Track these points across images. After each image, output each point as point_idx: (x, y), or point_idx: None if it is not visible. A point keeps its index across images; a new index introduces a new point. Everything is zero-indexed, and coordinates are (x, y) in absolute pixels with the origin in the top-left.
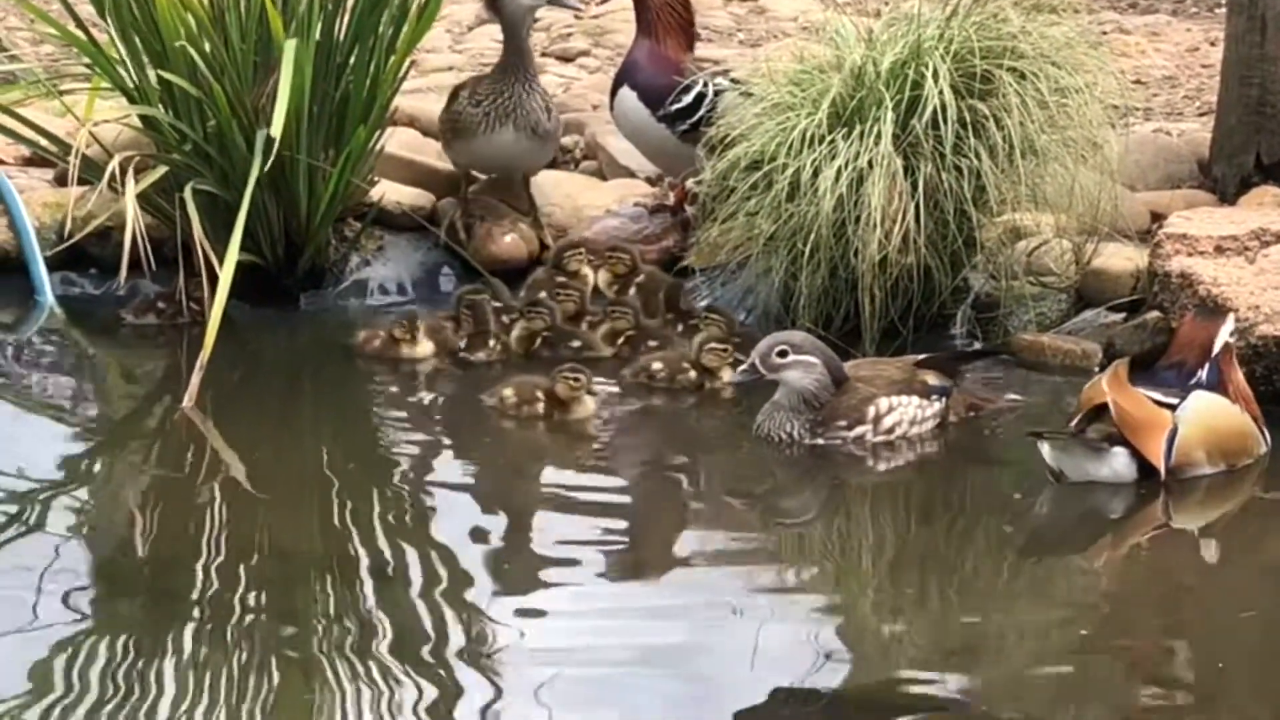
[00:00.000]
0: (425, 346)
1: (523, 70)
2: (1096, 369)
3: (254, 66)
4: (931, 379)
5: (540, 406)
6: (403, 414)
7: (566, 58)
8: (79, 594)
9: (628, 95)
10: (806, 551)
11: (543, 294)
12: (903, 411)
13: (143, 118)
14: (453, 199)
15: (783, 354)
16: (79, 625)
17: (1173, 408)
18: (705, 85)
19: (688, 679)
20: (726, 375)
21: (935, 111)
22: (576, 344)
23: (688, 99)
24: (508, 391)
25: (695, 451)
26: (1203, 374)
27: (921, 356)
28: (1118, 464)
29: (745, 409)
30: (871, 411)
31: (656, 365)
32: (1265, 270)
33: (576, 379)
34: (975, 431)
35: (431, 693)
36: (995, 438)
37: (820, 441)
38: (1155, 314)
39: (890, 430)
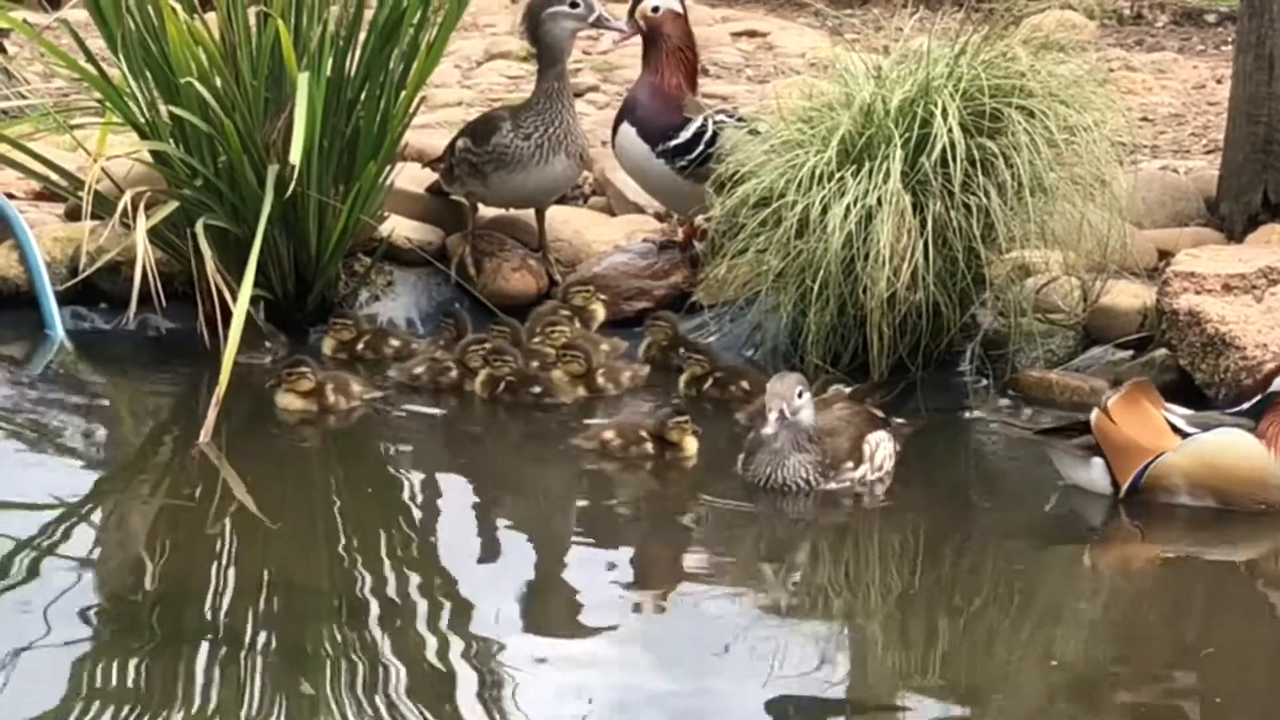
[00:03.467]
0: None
1: (568, 96)
2: None
3: (265, 103)
4: (876, 412)
5: (649, 447)
6: (411, 448)
7: (575, 93)
8: (90, 627)
9: (627, 131)
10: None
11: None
12: (885, 446)
13: (154, 153)
14: (460, 234)
15: (801, 394)
16: (89, 657)
17: (1186, 435)
18: (705, 122)
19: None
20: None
21: (944, 149)
22: (537, 389)
23: (686, 135)
24: (609, 434)
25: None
26: (1246, 405)
27: (849, 389)
28: (1095, 474)
29: None
30: (867, 450)
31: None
32: (1273, 308)
33: (685, 420)
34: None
35: None
36: (944, 461)
37: (833, 486)
38: (1163, 351)
39: (880, 466)
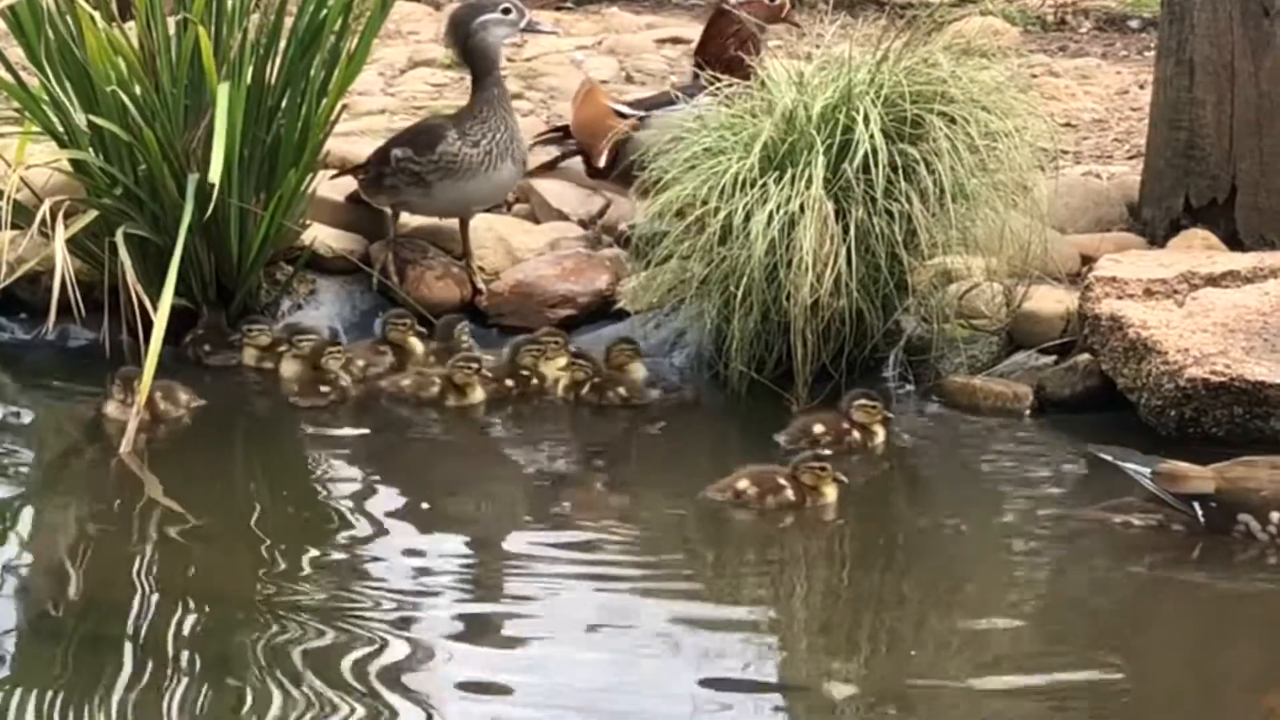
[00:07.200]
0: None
1: (508, 102)
2: (1026, 412)
3: (185, 111)
4: None
5: (789, 495)
6: (333, 454)
7: None
8: (10, 638)
9: None
10: None
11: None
12: None
13: (73, 162)
14: (382, 242)
15: None
16: (7, 672)
17: None
18: None
19: None
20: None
21: (866, 155)
22: (325, 389)
23: None
24: (743, 484)
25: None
26: None
27: None
28: None
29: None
30: None
31: (817, 428)
32: (1194, 313)
33: (823, 468)
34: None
35: None
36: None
37: None
38: (1086, 356)
39: None
